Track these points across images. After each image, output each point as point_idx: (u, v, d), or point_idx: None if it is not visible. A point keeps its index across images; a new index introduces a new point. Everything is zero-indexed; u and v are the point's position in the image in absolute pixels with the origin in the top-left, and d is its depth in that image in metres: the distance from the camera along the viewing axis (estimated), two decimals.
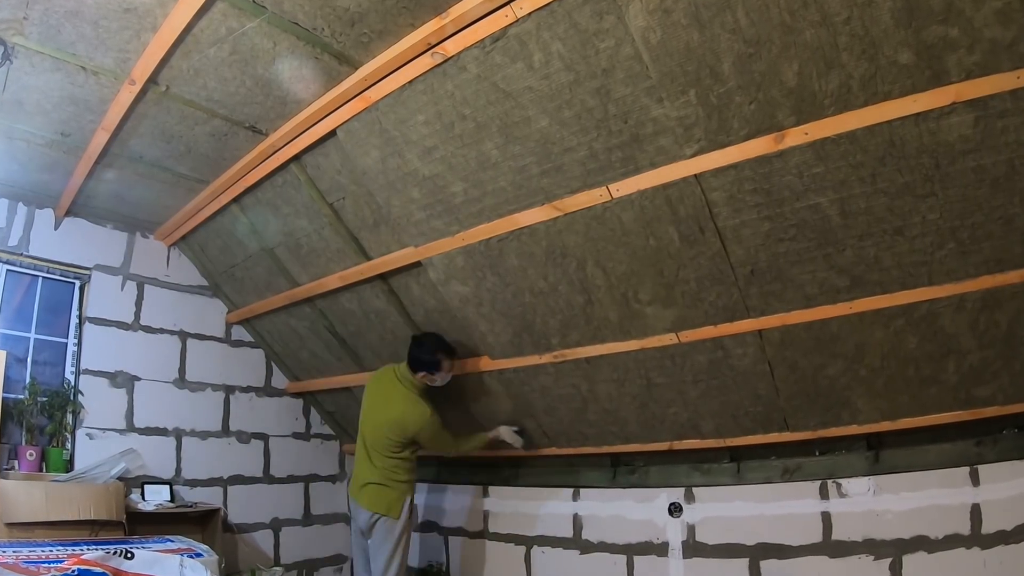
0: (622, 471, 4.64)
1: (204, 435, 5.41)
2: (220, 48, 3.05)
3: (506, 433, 4.70)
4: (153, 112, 3.56)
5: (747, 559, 3.96)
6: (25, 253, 4.61)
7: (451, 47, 2.90)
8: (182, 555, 3.69)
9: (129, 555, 3.45)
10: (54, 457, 4.43)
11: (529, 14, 2.65)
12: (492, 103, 3.05)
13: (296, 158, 3.91)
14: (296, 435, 6.09)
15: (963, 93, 2.33)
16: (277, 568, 5.36)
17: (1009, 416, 3.25)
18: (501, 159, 3.26)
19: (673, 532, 4.27)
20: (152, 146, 3.92)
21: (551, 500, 4.96)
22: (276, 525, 5.74)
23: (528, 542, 5.03)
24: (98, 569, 3.28)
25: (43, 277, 4.75)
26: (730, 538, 4.05)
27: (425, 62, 3.01)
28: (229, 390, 5.65)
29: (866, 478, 3.66)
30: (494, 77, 2.94)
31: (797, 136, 2.64)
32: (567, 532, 4.83)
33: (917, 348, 3.14)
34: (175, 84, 3.32)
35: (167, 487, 4.92)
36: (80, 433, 4.67)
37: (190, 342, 5.47)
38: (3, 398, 4.26)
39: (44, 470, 4.36)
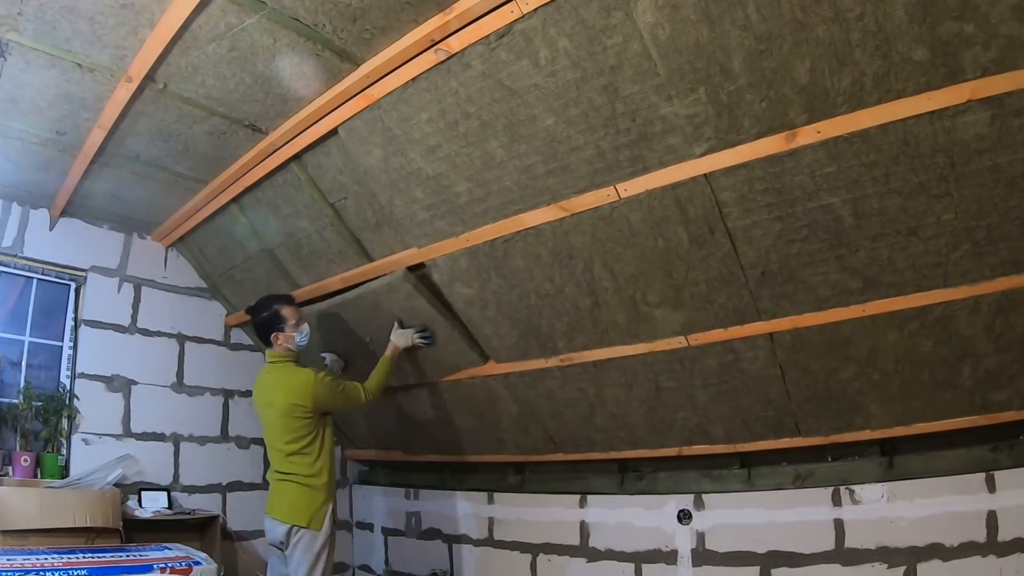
0: (630, 477, 4.64)
1: (203, 440, 5.42)
2: (219, 45, 3.06)
3: (402, 338, 4.40)
4: (150, 110, 3.58)
5: (758, 567, 3.95)
6: (19, 254, 4.63)
7: (455, 44, 2.91)
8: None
9: None
10: (49, 463, 4.44)
11: (535, 10, 2.66)
12: (497, 101, 3.06)
13: (297, 157, 3.92)
14: None
15: (979, 91, 2.34)
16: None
17: None
18: (506, 158, 3.27)
19: (682, 540, 4.27)
20: (149, 145, 3.94)
21: (557, 507, 4.95)
22: None
23: (534, 550, 5.03)
24: None
25: (38, 279, 4.77)
26: (740, 546, 4.04)
27: (429, 59, 3.01)
28: (228, 394, 5.66)
29: (879, 484, 3.65)
30: (499, 74, 2.95)
31: (809, 135, 2.64)
32: (574, 540, 4.82)
33: (932, 351, 3.13)
34: (173, 81, 3.33)
35: (165, 494, 4.94)
36: (76, 438, 4.69)
37: (188, 345, 5.49)
38: None
39: (39, 476, 4.37)
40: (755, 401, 3.70)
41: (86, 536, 4.03)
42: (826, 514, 3.78)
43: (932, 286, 2.92)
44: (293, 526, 3.83)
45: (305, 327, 4.11)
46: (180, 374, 5.40)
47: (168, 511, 4.79)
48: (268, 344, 4.07)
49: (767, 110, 2.65)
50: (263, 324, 4.05)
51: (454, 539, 5.63)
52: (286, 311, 4.05)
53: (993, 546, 3.29)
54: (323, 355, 4.77)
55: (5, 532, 3.77)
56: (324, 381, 3.92)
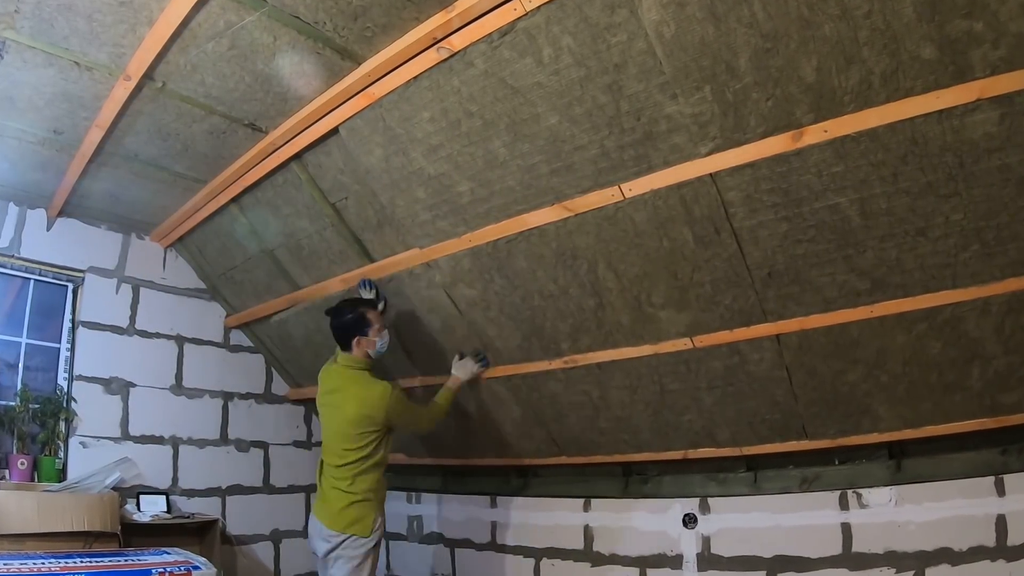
0: (635, 481, 4.64)
1: (202, 443, 5.43)
2: (218, 43, 3.07)
3: (464, 371, 4.39)
4: (149, 109, 3.58)
5: (764, 572, 3.95)
6: (16, 255, 4.63)
7: (457, 42, 2.91)
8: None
9: None
10: (46, 466, 4.44)
11: (538, 7, 2.66)
12: (500, 100, 3.06)
13: (297, 157, 3.93)
14: (297, 443, 6.12)
15: (988, 89, 2.33)
16: None
17: None
18: (509, 158, 3.27)
19: (687, 544, 4.27)
20: (148, 144, 3.94)
21: (561, 511, 4.95)
22: (276, 537, 5.76)
23: (537, 554, 5.03)
24: None
25: (35, 279, 4.78)
26: (746, 550, 4.04)
27: (431, 57, 3.02)
28: (228, 397, 5.67)
29: (887, 488, 3.65)
30: (502, 73, 2.95)
31: (816, 134, 2.64)
32: (578, 544, 4.82)
33: (940, 353, 3.13)
34: (172, 80, 3.34)
35: (163, 497, 4.93)
36: (73, 441, 4.69)
37: (187, 347, 5.49)
38: None
39: (36, 480, 4.38)
40: (761, 403, 3.70)
41: (84, 540, 4.04)
42: (833, 518, 3.78)
43: (941, 287, 2.91)
44: (339, 532, 3.87)
45: (386, 334, 4.10)
46: (179, 376, 5.40)
47: (167, 515, 4.80)
48: (347, 347, 4.05)
49: (773, 109, 2.66)
50: (346, 326, 4.03)
51: (456, 543, 5.63)
52: (371, 315, 4.05)
53: (1003, 550, 3.29)
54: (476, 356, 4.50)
55: (2, 536, 3.77)
56: (399, 398, 3.96)
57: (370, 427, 3.89)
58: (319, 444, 6.13)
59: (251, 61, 3.20)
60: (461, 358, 4.43)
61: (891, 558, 3.58)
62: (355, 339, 4.01)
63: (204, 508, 5.27)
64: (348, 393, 3.96)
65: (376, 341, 4.04)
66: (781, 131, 2.70)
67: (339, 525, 3.87)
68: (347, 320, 4.02)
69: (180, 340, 5.46)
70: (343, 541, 3.86)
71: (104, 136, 3.76)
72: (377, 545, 3.97)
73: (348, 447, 3.91)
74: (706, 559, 4.18)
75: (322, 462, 4.09)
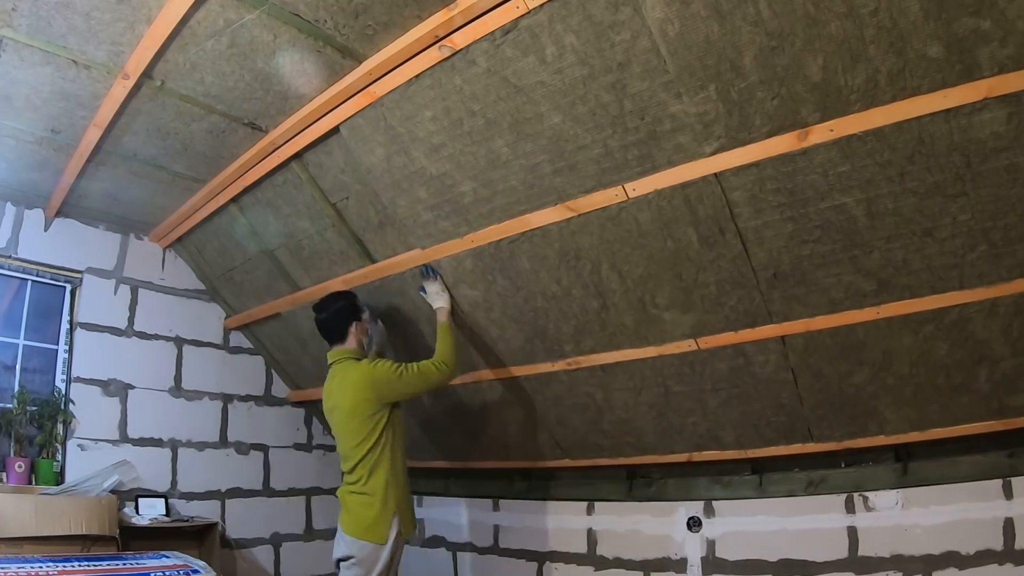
0: (639, 484, 4.64)
1: (201, 446, 5.43)
2: (218, 41, 3.07)
3: (441, 297, 4.08)
4: (148, 108, 3.59)
5: None
6: (14, 255, 4.64)
7: (460, 40, 2.91)
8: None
9: None
10: (44, 469, 4.45)
11: (541, 5, 2.67)
12: (502, 99, 3.06)
13: (297, 156, 3.93)
14: (297, 446, 6.12)
15: (995, 88, 2.34)
16: None
17: None
18: (512, 157, 3.27)
19: (692, 548, 4.28)
20: (147, 143, 3.95)
21: (564, 514, 4.96)
22: (276, 540, 5.76)
23: (540, 558, 5.04)
24: None
25: (32, 280, 4.79)
26: (751, 554, 4.05)
27: (432, 56, 3.02)
28: (227, 399, 5.67)
29: (894, 491, 3.66)
30: (504, 71, 2.96)
31: (822, 133, 2.64)
32: (581, 548, 4.83)
33: (947, 355, 3.14)
34: (171, 79, 3.35)
35: (162, 500, 4.95)
36: (71, 444, 4.69)
37: (186, 348, 5.50)
38: None
39: (33, 483, 4.38)
40: (766, 406, 3.70)
41: (82, 544, 4.04)
42: (839, 521, 3.79)
43: (948, 288, 2.92)
44: (356, 539, 3.78)
45: (378, 325, 4.12)
46: (178, 378, 5.40)
47: (166, 518, 4.80)
48: (341, 338, 4.03)
49: (779, 108, 2.66)
50: (339, 314, 4.04)
51: (458, 547, 5.65)
52: (358, 301, 4.10)
53: (1010, 554, 3.29)
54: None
55: None
56: (386, 366, 3.86)
57: (368, 411, 3.80)
58: (320, 447, 6.21)
59: (251, 59, 3.21)
60: (424, 290, 4.17)
61: (898, 562, 3.58)
62: (352, 324, 4.03)
63: (203, 511, 5.27)
64: (341, 388, 3.91)
65: (370, 330, 4.13)
66: (786, 130, 2.70)
67: (355, 531, 3.80)
68: (340, 307, 4.06)
69: (179, 341, 5.46)
70: (359, 547, 3.76)
71: (102, 135, 3.77)
72: (395, 553, 3.82)
73: (354, 443, 3.83)
74: (711, 563, 4.19)
75: (343, 475, 3.99)
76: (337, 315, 4.05)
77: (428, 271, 4.08)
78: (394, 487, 3.85)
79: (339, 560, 3.86)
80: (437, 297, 4.09)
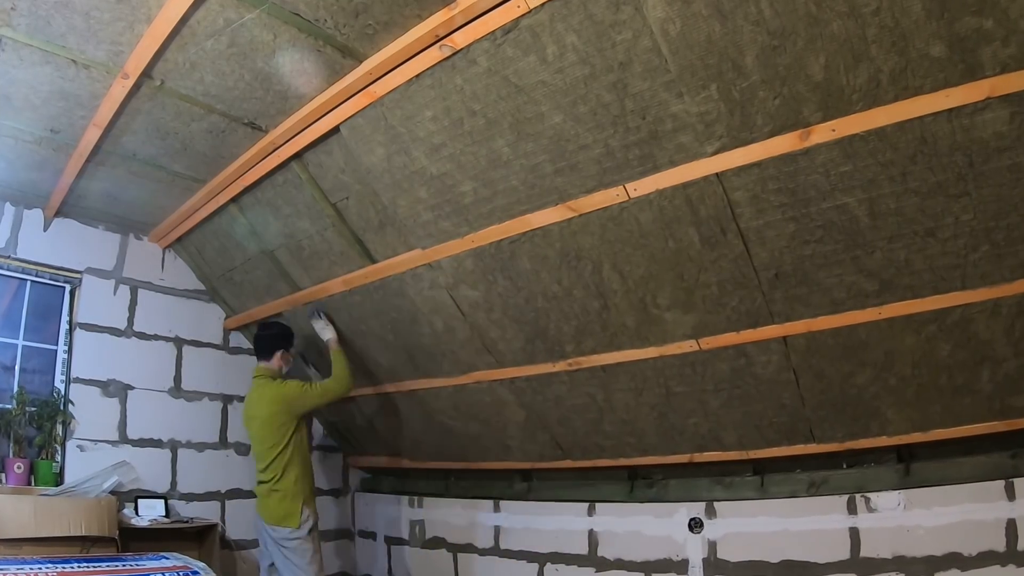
0: (640, 485, 4.64)
1: (201, 447, 5.44)
2: (218, 40, 3.07)
3: (328, 330, 4.92)
4: (147, 108, 3.59)
5: None
6: (13, 255, 4.65)
7: (460, 39, 2.91)
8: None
9: None
10: (43, 470, 4.45)
11: (542, 4, 2.67)
12: (503, 98, 3.06)
13: (297, 156, 3.93)
14: None
15: (998, 88, 2.34)
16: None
17: None
18: (513, 157, 3.27)
19: (693, 549, 4.27)
20: (146, 143, 3.95)
21: (565, 515, 4.95)
22: None
23: (541, 559, 5.03)
24: None
25: (32, 280, 4.80)
26: (753, 555, 4.04)
27: (433, 55, 3.02)
28: (227, 399, 5.68)
29: (896, 492, 3.65)
30: (505, 71, 2.96)
31: (824, 133, 2.64)
32: (582, 549, 4.82)
33: (950, 356, 3.14)
34: (170, 78, 3.35)
35: (162, 501, 4.95)
36: (71, 445, 4.70)
37: (186, 349, 5.51)
38: None
39: (33, 484, 4.38)
40: (768, 406, 3.70)
41: (81, 545, 4.04)
42: (841, 522, 3.78)
43: (950, 288, 2.91)
44: (274, 526, 4.49)
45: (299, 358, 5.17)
46: (178, 379, 5.41)
47: (165, 519, 4.81)
48: (268, 356, 4.78)
49: (780, 108, 2.66)
50: (275, 339, 4.83)
51: (459, 548, 5.63)
52: (294, 339, 4.93)
53: (1013, 555, 3.29)
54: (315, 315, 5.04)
55: None
56: (295, 385, 4.66)
57: (279, 421, 4.54)
58: (319, 448, 6.23)
59: (251, 59, 3.21)
60: (316, 326, 4.97)
61: (900, 563, 3.57)
62: (279, 351, 4.80)
63: (203, 512, 5.28)
64: (260, 401, 4.64)
65: (291, 359, 4.91)
66: (788, 130, 2.70)
67: (273, 519, 4.51)
68: (284, 330, 4.92)
69: (179, 342, 5.47)
70: (278, 533, 4.48)
71: (102, 135, 3.77)
72: (312, 536, 4.56)
73: (267, 446, 4.54)
74: (712, 564, 4.18)
75: (258, 474, 4.67)
76: (273, 339, 4.84)
77: (314, 312, 4.93)
78: (302, 483, 4.61)
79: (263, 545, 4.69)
80: (324, 331, 4.93)
